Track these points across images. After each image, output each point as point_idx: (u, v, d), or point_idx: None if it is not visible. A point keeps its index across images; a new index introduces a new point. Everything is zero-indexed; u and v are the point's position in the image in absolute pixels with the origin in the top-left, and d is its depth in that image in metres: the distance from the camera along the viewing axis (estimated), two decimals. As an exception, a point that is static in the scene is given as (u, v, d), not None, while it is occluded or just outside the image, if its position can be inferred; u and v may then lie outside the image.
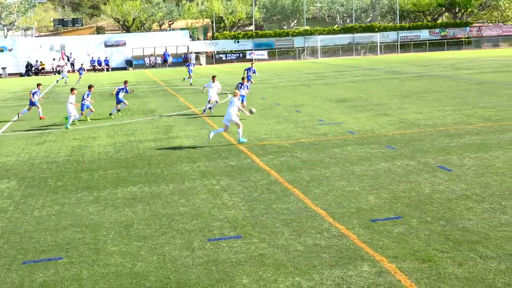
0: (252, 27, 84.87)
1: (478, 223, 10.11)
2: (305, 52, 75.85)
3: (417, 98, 27.58)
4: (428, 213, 10.78)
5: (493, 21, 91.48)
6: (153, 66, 71.68)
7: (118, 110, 26.48)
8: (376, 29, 78.48)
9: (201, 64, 72.21)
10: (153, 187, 13.55)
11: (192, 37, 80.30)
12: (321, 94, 31.14)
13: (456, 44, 79.47)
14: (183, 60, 71.94)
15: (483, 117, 21.09)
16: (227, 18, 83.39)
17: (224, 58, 73.82)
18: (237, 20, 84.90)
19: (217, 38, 77.21)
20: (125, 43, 73.69)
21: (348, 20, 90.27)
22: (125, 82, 26.98)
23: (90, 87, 25.20)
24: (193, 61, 45.57)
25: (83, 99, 24.61)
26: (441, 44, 78.59)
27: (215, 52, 74.57)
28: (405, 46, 77.98)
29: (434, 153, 15.73)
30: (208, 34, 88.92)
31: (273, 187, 13.04)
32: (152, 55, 72.55)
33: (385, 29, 79.64)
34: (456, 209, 10.90)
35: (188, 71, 42.33)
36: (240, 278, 8.38)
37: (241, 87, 24.17)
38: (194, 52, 71.98)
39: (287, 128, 20.93)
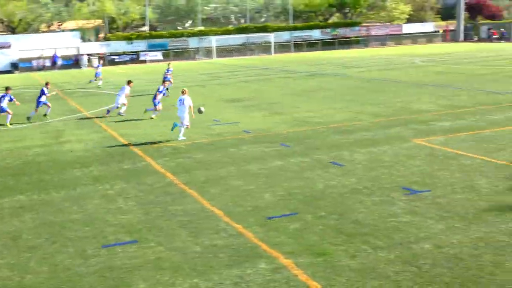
0: (146, 28, 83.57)
1: (369, 215, 10.48)
2: (200, 52, 75.71)
3: (310, 97, 28.24)
4: (322, 208, 11.05)
5: (381, 21, 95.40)
6: (41, 69, 68.91)
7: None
8: (270, 29, 79.55)
9: (93, 66, 70.26)
10: (42, 195, 12.98)
11: (83, 38, 77.95)
12: (216, 94, 31.17)
13: (347, 43, 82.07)
14: (73, 62, 69.68)
15: (372, 114, 21.92)
16: (120, 19, 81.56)
17: (117, 60, 72.09)
18: (130, 21, 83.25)
19: (109, 39, 75.38)
20: (10, 45, 70.30)
21: (242, 20, 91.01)
22: (7, 89, 25.19)
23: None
24: (99, 63, 44.44)
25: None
26: (333, 44, 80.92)
27: (108, 54, 72.78)
28: (298, 46, 79.60)
29: (326, 149, 16.16)
30: (100, 35, 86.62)
31: (169, 189, 12.88)
32: (40, 57, 69.72)
33: (278, 29, 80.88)
34: (348, 203, 11.25)
35: (96, 74, 41.08)
36: (136, 283, 8.20)
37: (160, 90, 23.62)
38: (86, 54, 69.95)
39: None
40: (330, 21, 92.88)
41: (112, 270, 8.63)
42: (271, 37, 77.19)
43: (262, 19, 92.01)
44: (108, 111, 25.08)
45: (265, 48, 77.47)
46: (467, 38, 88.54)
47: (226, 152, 16.51)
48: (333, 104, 25.16)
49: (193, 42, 76.14)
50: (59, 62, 70.06)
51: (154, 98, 23.60)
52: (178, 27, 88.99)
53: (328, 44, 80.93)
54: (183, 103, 18.60)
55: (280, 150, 16.44)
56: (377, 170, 13.63)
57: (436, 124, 19.06)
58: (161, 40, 75.60)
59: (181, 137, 18.66)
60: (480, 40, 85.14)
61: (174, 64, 63.67)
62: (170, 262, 8.82)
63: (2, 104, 23.74)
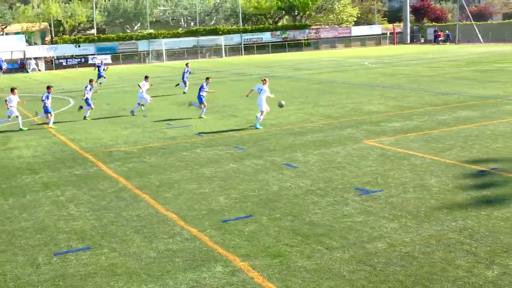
0: (93, 31, 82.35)
1: (323, 216, 10.57)
2: (150, 55, 75.04)
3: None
4: (277, 210, 11.09)
5: (330, 24, 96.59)
6: (-14, 73, 66.99)
7: None
8: (220, 32, 79.58)
9: (40, 70, 68.73)
10: (-10, 203, 12.60)
11: (29, 42, 76.21)
12: (168, 97, 30.94)
13: (297, 45, 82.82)
14: (19, 66, 68.07)
15: (324, 115, 22.15)
16: (66, 22, 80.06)
17: (64, 64, 70.75)
18: (77, 24, 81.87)
19: (56, 43, 73.88)
20: (-51, 50, 68.09)
21: (192, 23, 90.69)
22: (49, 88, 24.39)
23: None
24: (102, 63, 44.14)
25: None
26: (283, 46, 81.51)
27: (55, 57, 71.32)
28: (248, 48, 79.88)
29: (280, 151, 16.24)
30: (46, 39, 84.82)
31: (122, 194, 12.70)
32: (-16, 61, 67.77)
33: (229, 32, 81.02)
34: (303, 204, 11.32)
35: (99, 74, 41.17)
36: (90, 291, 8.05)
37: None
38: (33, 58, 68.39)
39: (135, 133, 20.53)
40: (280, 23, 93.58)
41: (65, 278, 8.44)
42: (222, 40, 77.18)
43: (212, 22, 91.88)
44: (133, 111, 25.17)
45: (216, 50, 77.41)
46: (413, 40, 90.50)
47: (180, 155, 16.39)
48: (286, 106, 25.24)
49: (142, 45, 75.42)
50: (4, 66, 68.27)
51: (199, 94, 23.33)
52: (127, 30, 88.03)
53: (278, 47, 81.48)
54: (262, 92, 20.10)
55: (234, 152, 16.43)
56: (331, 171, 13.77)
57: (387, 125, 19.40)
58: (110, 43, 74.56)
59: (258, 126, 20.17)
60: (426, 42, 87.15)
61: (124, 68, 62.98)
62: (125, 268, 8.69)
63: (47, 105, 23.07)
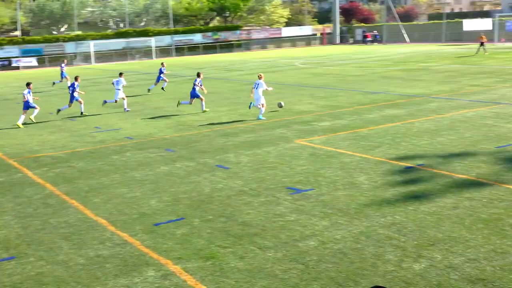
0: (17, 33, 79.75)
1: (256, 216, 10.58)
2: (78, 58, 73.32)
3: (194, 100, 28.12)
4: (209, 211, 11.02)
5: (261, 25, 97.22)
6: None
7: None
8: (151, 33, 78.66)
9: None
10: None
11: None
12: (96, 101, 30.29)
13: (228, 47, 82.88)
14: None
15: (256, 116, 22.21)
16: (-11, 23, 77.37)
17: (-13, 67, 68.28)
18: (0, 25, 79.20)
19: (-22, 45, 71.16)
20: None
21: (121, 24, 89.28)
22: (76, 78, 25.29)
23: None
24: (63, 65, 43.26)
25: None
26: (214, 47, 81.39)
27: (-23, 60, 68.66)
28: (180, 50, 79.30)
29: (212, 153, 16.17)
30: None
31: (49, 201, 12.32)
32: None
33: (159, 33, 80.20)
34: (235, 205, 11.30)
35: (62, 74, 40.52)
36: (16, 302, 7.75)
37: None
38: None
39: (62, 137, 19.98)
40: (211, 25, 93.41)
41: (-12, 290, 8.11)
42: (152, 42, 76.31)
43: (142, 23, 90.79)
44: (105, 102, 26.56)
45: (146, 52, 76.45)
46: (343, 41, 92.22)
47: (109, 159, 16.07)
48: (217, 107, 25.25)
49: (70, 47, 73.56)
50: None
51: (193, 90, 24.17)
52: (53, 32, 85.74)
53: (210, 48, 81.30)
54: (258, 87, 21.68)
55: (165, 155, 16.24)
56: (263, 171, 13.82)
57: (317, 124, 19.65)
58: (35, 45, 72.35)
59: (261, 117, 21.44)
60: (355, 42, 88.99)
61: (50, 70, 61.29)
62: (53, 277, 8.42)
63: (74, 94, 24.69)
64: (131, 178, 13.90)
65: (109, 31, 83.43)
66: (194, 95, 24.10)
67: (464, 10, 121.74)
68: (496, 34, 64.90)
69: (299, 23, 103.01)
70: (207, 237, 9.70)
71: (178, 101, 25.36)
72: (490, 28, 69.31)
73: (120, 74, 27.09)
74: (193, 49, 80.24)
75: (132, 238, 9.81)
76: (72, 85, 25.05)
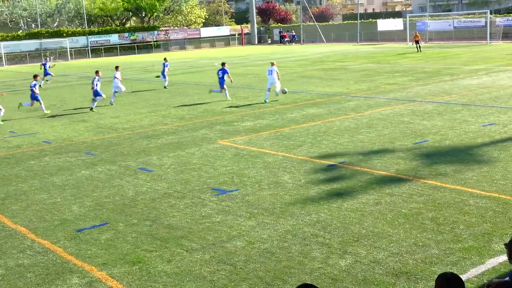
0: None
1: (181, 218, 10.49)
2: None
3: (113, 102, 27.62)
4: (134, 215, 10.84)
5: (178, 25, 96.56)
6: None
7: None
8: (65, 34, 76.50)
9: None
10: None
11: None
12: (11, 104, 29.13)
13: (146, 47, 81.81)
14: None
15: (177, 117, 22.05)
16: None
17: None
18: None
19: None
20: None
21: (33, 25, 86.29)
22: (97, 72, 26.17)
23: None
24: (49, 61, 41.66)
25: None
26: (132, 48, 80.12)
27: None
28: (96, 51, 77.53)
29: (134, 155, 15.91)
30: None
31: (-37, 210, 11.72)
32: None
33: (74, 34, 78.10)
34: (160, 208, 11.16)
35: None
36: None
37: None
38: None
39: (-25, 143, 19.08)
40: (127, 25, 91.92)
41: None
42: (67, 42, 74.23)
43: (55, 24, 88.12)
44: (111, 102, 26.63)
45: (60, 53, 74.26)
46: (261, 41, 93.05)
47: (27, 165, 15.49)
48: (138, 109, 24.88)
49: (-21, 49, 70.37)
50: None
51: (221, 82, 26.26)
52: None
53: (127, 49, 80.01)
54: (272, 73, 24.67)
55: (85, 159, 15.83)
56: (187, 173, 13.72)
57: (240, 125, 19.72)
58: None
59: (279, 92, 24.86)
60: (273, 42, 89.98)
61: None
62: (-30, 290, 8.04)
63: (97, 88, 24.98)
64: (50, 183, 13.45)
65: (20, 32, 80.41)
66: (222, 84, 26.31)
67: (377, 10, 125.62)
68: (408, 34, 67.31)
69: (217, 24, 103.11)
70: (132, 241, 9.53)
71: (210, 90, 27.68)
72: (402, 28, 71.91)
73: (117, 67, 27.89)
74: (110, 50, 78.67)
75: (54, 246, 9.49)
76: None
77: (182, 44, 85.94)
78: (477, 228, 9.18)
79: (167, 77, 33.20)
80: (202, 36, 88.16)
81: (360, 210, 10.39)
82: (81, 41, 77.32)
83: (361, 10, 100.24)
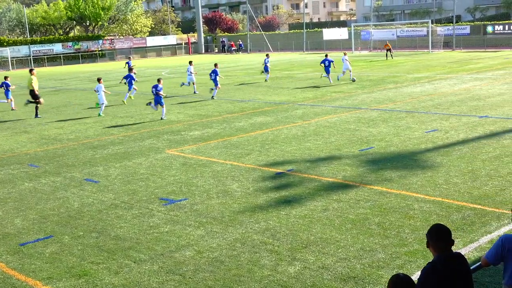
0: None
1: (129, 229, 10.34)
2: None
3: (58, 113, 27.09)
4: (80, 227, 10.61)
5: (124, 34, 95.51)
6: None
7: None
8: (5, 43, 74.61)
9: None
10: None
11: None
12: (-51, 115, 28.24)
13: (91, 57, 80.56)
14: None
15: (123, 127, 21.77)
16: None
17: None
18: None
19: None
20: None
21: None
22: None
23: None
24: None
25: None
26: (76, 57, 78.75)
27: None
28: (38, 60, 75.82)
29: (79, 166, 15.60)
30: None
31: None
32: None
33: (15, 43, 76.22)
34: (107, 219, 10.97)
35: None
36: None
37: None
38: None
39: None
40: (71, 34, 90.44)
41: None
42: (8, 52, 72.39)
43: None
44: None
45: (1, 63, 72.36)
46: (208, 50, 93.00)
47: (-34, 178, 14.98)
48: (83, 119, 24.44)
49: None
50: None
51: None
52: None
53: (71, 58, 78.62)
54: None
55: (28, 171, 15.43)
56: (134, 183, 13.54)
57: (188, 134, 19.62)
58: None
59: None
60: (220, 51, 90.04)
61: None
62: None
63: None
64: (-8, 196, 13.04)
65: (-41, 41, 77.97)
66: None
67: (323, 19, 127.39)
68: (353, 43, 68.49)
69: (163, 33, 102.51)
70: (78, 254, 9.32)
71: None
72: (347, 37, 73.15)
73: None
74: (53, 59, 77.09)
75: (-4, 261, 9.19)
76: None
77: (128, 54, 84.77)
78: (421, 232, 9.38)
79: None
80: (148, 45, 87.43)
81: (308, 217, 10.47)
82: (23, 50, 75.49)
83: (307, 20, 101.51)
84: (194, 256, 8.98)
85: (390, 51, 53.52)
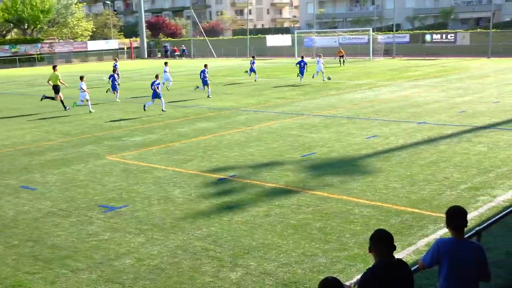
0: None
1: (67, 237, 10.06)
2: None
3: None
4: (14, 236, 10.26)
5: (64, 38, 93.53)
6: None
7: None
8: None
9: None
10: None
11: None
12: None
13: (29, 60, 78.48)
14: None
15: (63, 132, 21.26)
16: None
17: None
18: None
19: None
20: None
21: None
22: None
23: None
24: None
25: None
26: (13, 61, 76.57)
27: None
28: (-26, 64, 73.50)
29: (15, 173, 15.12)
30: None
31: None
32: None
33: None
34: (44, 228, 10.65)
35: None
36: None
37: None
38: None
39: None
40: (8, 37, 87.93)
41: None
42: None
43: None
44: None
45: None
46: (151, 55, 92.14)
47: None
48: (19, 125, 23.74)
49: None
50: None
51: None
52: None
53: (8, 62, 76.41)
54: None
55: (-39, 178, 14.84)
56: (73, 190, 13.20)
57: (129, 140, 19.31)
58: None
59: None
60: (163, 56, 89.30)
61: None
62: None
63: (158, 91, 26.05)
64: None
65: None
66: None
67: (266, 26, 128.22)
68: (296, 49, 69.16)
69: (105, 37, 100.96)
70: (13, 264, 9.00)
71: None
72: (290, 44, 73.84)
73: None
74: (-9, 62, 74.77)
75: None
76: None
77: (68, 57, 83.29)
78: (361, 236, 9.49)
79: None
80: (89, 49, 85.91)
81: (251, 223, 10.44)
82: (-43, 53, 72.92)
83: (250, 26, 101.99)
84: (134, 264, 8.81)
85: (343, 57, 54.25)
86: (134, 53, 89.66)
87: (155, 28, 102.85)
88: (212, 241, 9.61)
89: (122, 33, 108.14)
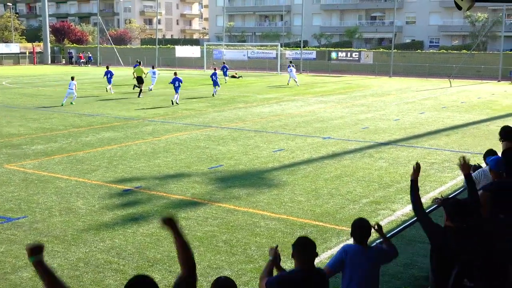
0: None
1: (-41, 250, 9.50)
2: None
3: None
4: None
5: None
6: None
7: None
8: None
9: None
10: None
11: None
12: None
13: None
14: None
15: (-43, 138, 20.14)
16: None
17: None
18: None
19: None
20: None
21: None
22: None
23: None
24: None
25: None
26: None
27: None
28: None
29: None
30: None
31: None
32: None
33: None
34: None
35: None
36: None
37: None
38: None
39: None
40: None
41: None
42: None
43: None
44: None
45: None
46: (55, 61, 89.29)
47: None
48: None
49: None
50: None
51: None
52: None
53: None
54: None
55: None
56: (-34, 199, 12.51)
57: (29, 148, 18.57)
58: None
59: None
60: (67, 63, 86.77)
61: None
62: None
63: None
64: None
65: None
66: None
67: (175, 36, 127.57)
68: (205, 61, 69.20)
69: (5, 40, 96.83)
70: None
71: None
72: (199, 55, 73.82)
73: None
74: None
75: None
76: None
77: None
78: (267, 249, 9.54)
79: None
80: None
81: (156, 235, 10.30)
82: None
83: (159, 36, 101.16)
84: (32, 277, 8.45)
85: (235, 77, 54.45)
86: (36, 58, 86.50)
87: (60, 33, 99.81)
88: (115, 254, 9.40)
89: (24, 37, 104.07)
